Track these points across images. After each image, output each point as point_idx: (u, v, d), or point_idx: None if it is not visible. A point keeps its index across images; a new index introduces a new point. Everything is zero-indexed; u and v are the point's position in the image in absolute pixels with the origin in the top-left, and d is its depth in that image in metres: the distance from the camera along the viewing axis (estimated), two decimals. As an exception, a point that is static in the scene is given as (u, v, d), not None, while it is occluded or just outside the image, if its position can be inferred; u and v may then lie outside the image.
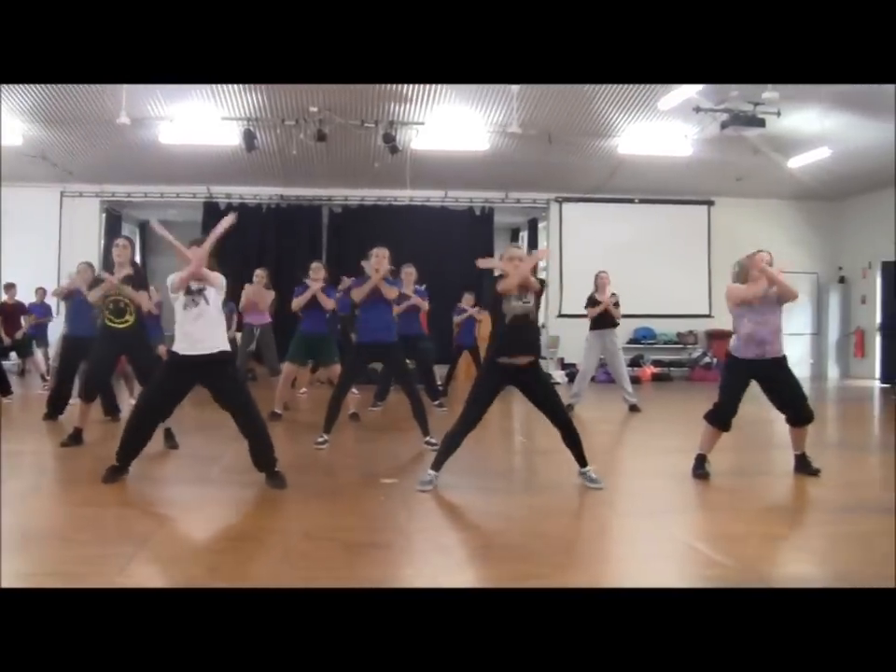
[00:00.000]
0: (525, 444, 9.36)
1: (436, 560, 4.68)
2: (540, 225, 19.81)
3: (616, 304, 11.80)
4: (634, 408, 11.75)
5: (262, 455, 6.42)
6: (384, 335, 8.28)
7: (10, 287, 15.46)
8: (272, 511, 5.78)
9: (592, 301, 11.89)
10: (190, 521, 5.67)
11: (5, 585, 3.77)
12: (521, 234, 20.96)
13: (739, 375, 6.98)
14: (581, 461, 6.57)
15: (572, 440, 6.55)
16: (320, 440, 8.24)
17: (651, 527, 5.41)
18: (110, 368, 8.40)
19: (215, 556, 4.70)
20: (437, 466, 6.44)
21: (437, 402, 11.55)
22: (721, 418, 6.96)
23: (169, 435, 8.03)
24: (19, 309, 15.50)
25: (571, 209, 18.83)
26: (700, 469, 6.98)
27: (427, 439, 8.18)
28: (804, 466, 7.05)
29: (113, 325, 7.98)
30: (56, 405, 9.94)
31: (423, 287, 11.85)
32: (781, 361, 7.04)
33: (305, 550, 4.77)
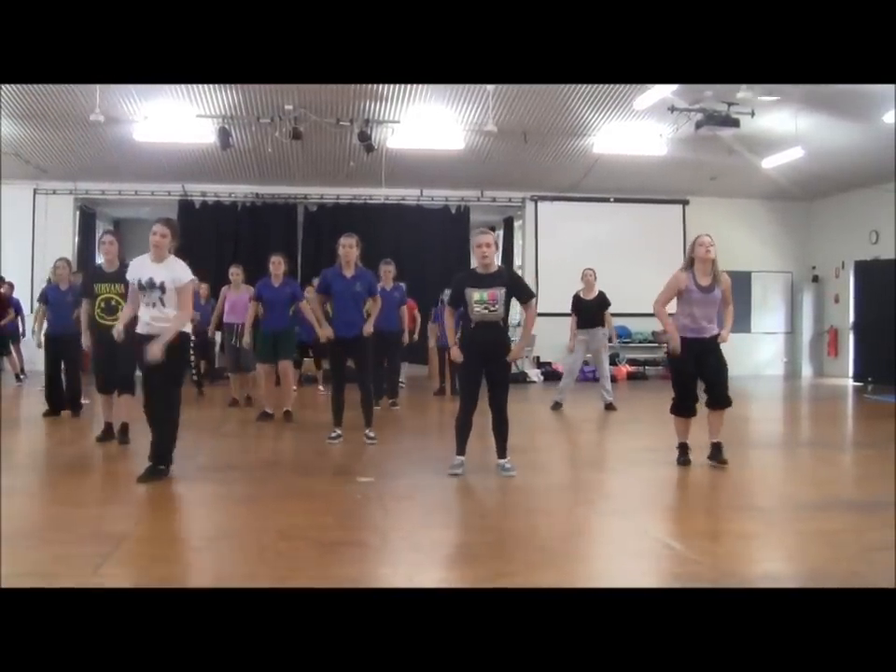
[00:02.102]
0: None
1: (411, 558, 4.68)
2: (516, 224, 19.85)
3: (605, 302, 11.86)
4: (610, 406, 11.80)
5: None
6: (350, 329, 8.38)
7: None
8: (247, 509, 5.77)
9: (577, 299, 11.93)
10: (166, 519, 5.66)
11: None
12: (496, 233, 20.97)
13: (683, 357, 7.15)
14: (502, 453, 6.92)
15: (500, 429, 6.89)
16: (333, 434, 8.38)
17: (626, 526, 5.44)
18: (128, 362, 7.84)
19: (191, 555, 4.70)
20: (460, 450, 6.83)
21: (391, 401, 11.81)
22: (680, 405, 7.23)
23: (124, 430, 8.08)
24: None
25: (547, 208, 18.86)
26: (682, 457, 7.26)
27: (367, 431, 8.42)
28: (716, 455, 7.21)
29: (104, 322, 7.96)
30: (54, 402, 9.98)
31: (402, 285, 11.91)
32: (714, 340, 7.21)
33: (281, 549, 4.76)
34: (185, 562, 4.61)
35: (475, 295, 6.66)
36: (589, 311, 11.83)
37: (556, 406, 11.75)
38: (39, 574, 4.22)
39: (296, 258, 17.64)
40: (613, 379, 16.78)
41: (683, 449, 7.27)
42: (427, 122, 13.77)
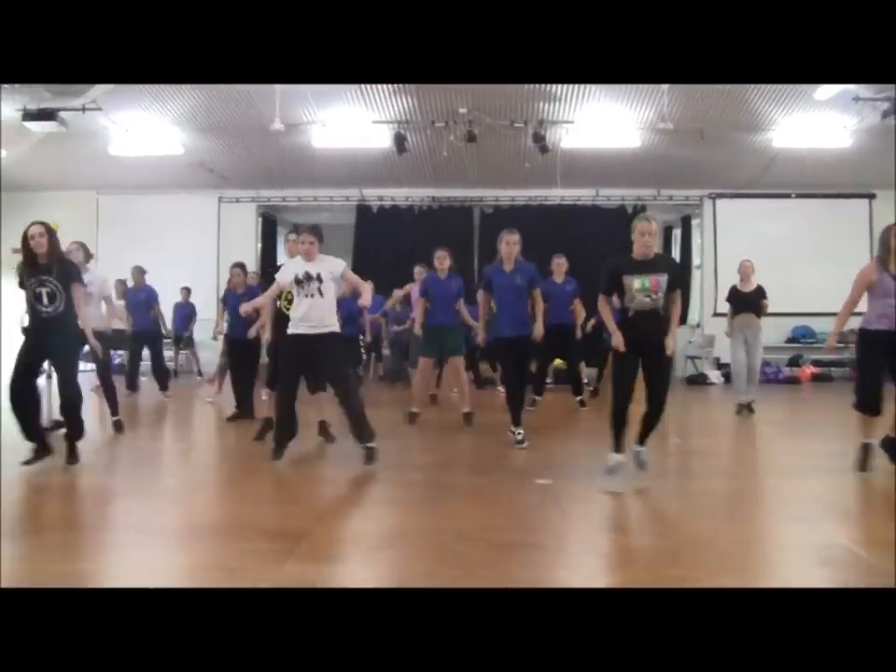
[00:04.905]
0: (680, 445, 9.20)
1: (589, 562, 4.64)
2: (694, 222, 19.45)
3: (763, 296, 11.40)
4: (747, 407, 11.24)
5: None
6: (514, 327, 8.30)
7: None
8: (425, 510, 5.82)
9: (734, 292, 11.54)
10: (346, 518, 5.77)
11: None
12: (674, 232, 20.59)
13: (873, 349, 6.75)
14: (643, 441, 6.64)
15: (653, 422, 6.58)
16: (519, 436, 8.29)
17: (809, 532, 5.23)
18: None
19: (370, 555, 4.76)
20: (618, 447, 6.52)
21: (533, 399, 11.45)
22: (863, 401, 6.75)
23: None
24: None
25: (725, 205, 18.42)
26: (863, 459, 6.80)
27: (514, 429, 8.31)
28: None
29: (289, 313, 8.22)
30: (244, 405, 10.34)
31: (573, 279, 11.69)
32: None
33: (459, 549, 4.78)
34: (363, 561, 4.68)
35: (636, 282, 6.32)
36: (746, 304, 11.39)
37: (746, 409, 11.26)
38: (225, 568, 4.36)
39: (472, 260, 17.75)
40: (797, 381, 16.37)
41: (865, 450, 6.79)
42: (602, 121, 13.67)
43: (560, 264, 11.54)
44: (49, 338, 6.98)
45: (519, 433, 8.24)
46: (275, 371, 8.23)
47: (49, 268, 6.94)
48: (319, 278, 7.03)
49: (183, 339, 16.90)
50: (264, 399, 9.32)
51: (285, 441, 7.30)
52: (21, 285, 7.11)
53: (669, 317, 6.49)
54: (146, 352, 13.09)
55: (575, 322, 11.78)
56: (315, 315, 7.04)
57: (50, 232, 7.00)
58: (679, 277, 6.75)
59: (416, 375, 10.46)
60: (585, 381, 12.42)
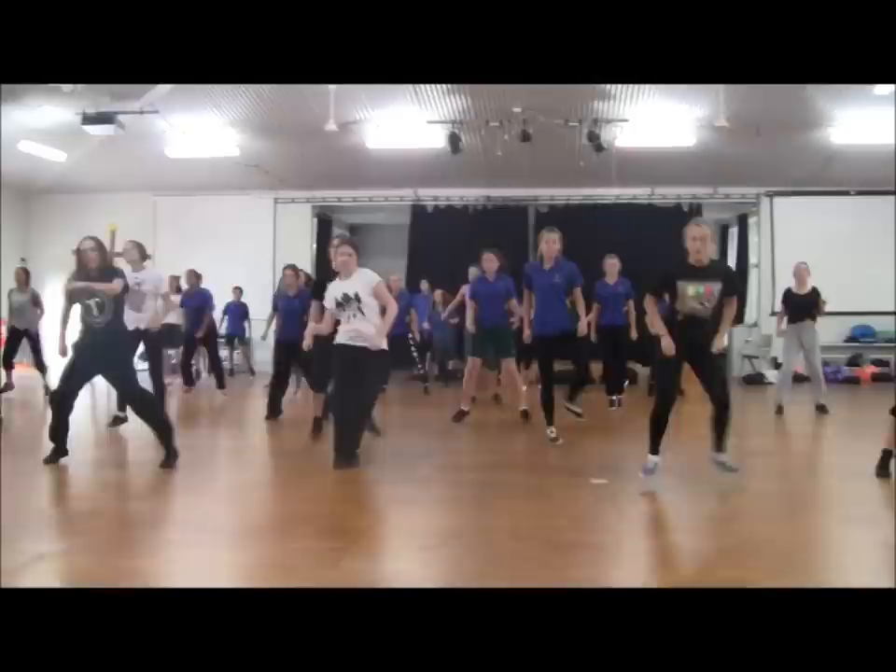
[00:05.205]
0: (737, 445, 9.10)
1: (645, 563, 4.62)
2: (751, 220, 19.22)
3: (819, 298, 11.26)
4: (822, 408, 11.13)
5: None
6: (552, 326, 8.33)
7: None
8: (479, 509, 5.82)
9: (788, 294, 11.42)
10: (400, 517, 5.79)
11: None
12: (730, 230, 20.37)
13: None
14: (721, 446, 6.53)
15: (723, 422, 6.49)
16: (552, 435, 8.36)
17: (868, 535, 5.14)
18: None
19: (424, 554, 4.77)
20: (655, 449, 6.48)
21: (611, 399, 11.49)
22: None
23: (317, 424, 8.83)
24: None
25: (783, 203, 18.18)
26: (883, 467, 6.68)
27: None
28: None
29: None
30: (273, 406, 10.37)
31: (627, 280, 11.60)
32: None
33: (513, 549, 4.78)
34: (417, 560, 4.69)
35: (690, 289, 6.27)
36: (801, 306, 11.24)
37: (778, 411, 11.19)
38: (281, 566, 4.41)
39: (527, 259, 17.71)
40: (857, 381, 16.13)
41: (885, 458, 6.69)
42: (657, 119, 13.59)
43: (612, 265, 11.42)
44: (102, 351, 7.16)
45: (552, 434, 8.37)
46: (320, 373, 8.57)
47: (97, 280, 7.13)
48: (357, 298, 7.08)
49: (237, 338, 17.06)
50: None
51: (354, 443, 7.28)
52: (70, 298, 7.33)
53: (720, 321, 6.47)
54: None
55: (629, 322, 11.67)
56: (357, 333, 7.10)
57: (101, 247, 7.25)
58: (734, 285, 6.71)
59: (465, 375, 10.45)
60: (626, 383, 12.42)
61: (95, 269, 7.16)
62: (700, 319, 6.37)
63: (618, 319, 11.35)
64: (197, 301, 13.18)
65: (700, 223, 6.42)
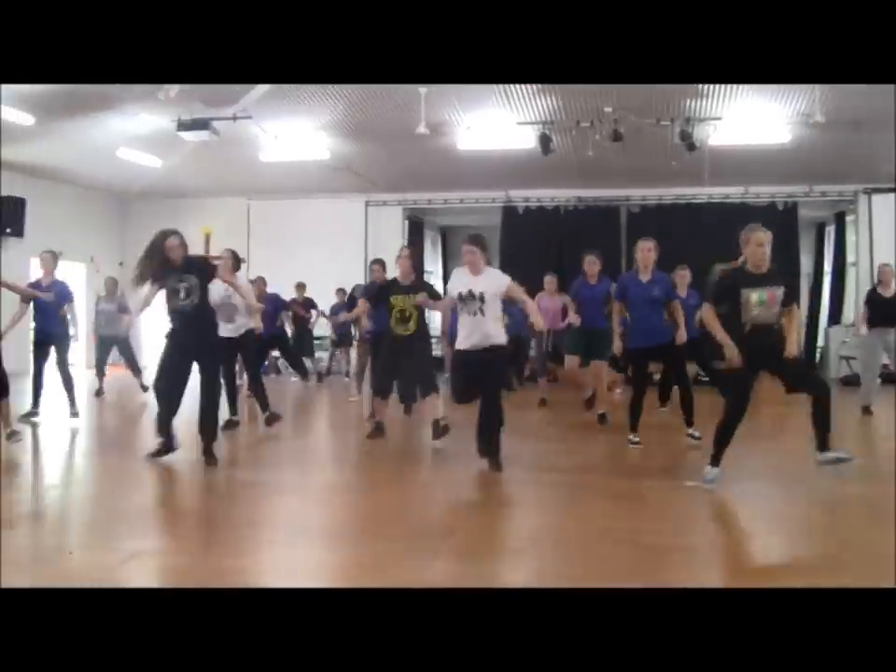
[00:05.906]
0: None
1: (735, 565, 4.58)
2: (848, 219, 18.83)
3: None
4: (867, 410, 10.96)
5: None
6: (652, 338, 8.37)
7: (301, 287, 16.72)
8: (571, 511, 5.82)
9: (872, 295, 11.18)
10: (492, 518, 5.81)
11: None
12: (827, 229, 20.00)
13: None
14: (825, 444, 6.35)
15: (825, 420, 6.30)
16: (634, 439, 8.33)
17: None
18: (394, 370, 8.72)
19: (514, 555, 4.79)
20: (717, 461, 6.37)
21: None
22: None
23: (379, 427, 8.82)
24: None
25: (881, 201, 17.76)
26: None
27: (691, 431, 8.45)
28: None
29: (396, 332, 8.44)
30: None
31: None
32: None
33: (605, 551, 4.77)
34: (507, 561, 4.70)
35: (753, 296, 6.17)
36: (886, 308, 11.00)
37: (865, 411, 10.96)
38: (369, 566, 4.45)
39: (619, 260, 17.56)
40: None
41: None
42: (750, 117, 13.39)
43: (683, 276, 11.19)
44: (192, 336, 7.35)
45: (635, 438, 8.33)
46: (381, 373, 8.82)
47: (184, 267, 7.29)
48: (482, 298, 6.99)
49: (339, 339, 17.14)
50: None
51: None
52: (153, 279, 7.40)
53: (789, 330, 6.39)
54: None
55: (701, 334, 11.50)
56: (477, 335, 7.05)
57: (183, 241, 7.35)
58: (794, 292, 6.67)
59: (570, 373, 10.66)
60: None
61: (178, 259, 7.27)
62: (767, 326, 6.29)
63: (689, 332, 11.17)
64: (269, 308, 13.38)
65: (761, 228, 6.31)
